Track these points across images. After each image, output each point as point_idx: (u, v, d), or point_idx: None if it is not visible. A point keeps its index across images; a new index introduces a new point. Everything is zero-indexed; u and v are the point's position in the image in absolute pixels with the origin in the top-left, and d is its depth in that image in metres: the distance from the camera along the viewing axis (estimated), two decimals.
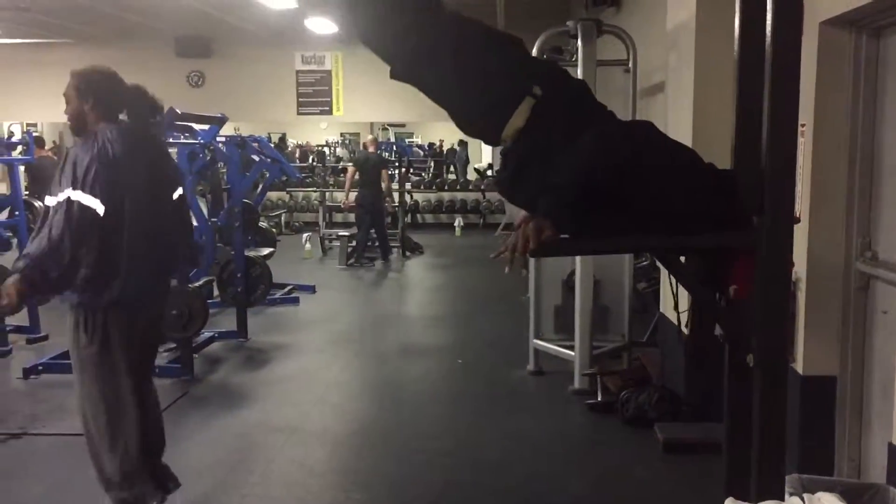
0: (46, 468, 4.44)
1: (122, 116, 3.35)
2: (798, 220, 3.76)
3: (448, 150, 22.65)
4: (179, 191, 3.63)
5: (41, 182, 10.03)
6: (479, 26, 2.43)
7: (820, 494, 1.74)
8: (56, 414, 5.26)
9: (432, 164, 20.28)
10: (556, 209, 2.17)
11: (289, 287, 9.39)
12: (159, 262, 3.44)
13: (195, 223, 6.38)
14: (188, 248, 3.94)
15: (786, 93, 2.29)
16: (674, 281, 2.48)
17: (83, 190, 3.01)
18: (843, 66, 3.66)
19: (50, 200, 3.08)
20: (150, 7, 13.67)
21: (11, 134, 17.84)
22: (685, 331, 2.62)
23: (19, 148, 8.56)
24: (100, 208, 3.04)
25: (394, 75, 2.40)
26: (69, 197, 2.99)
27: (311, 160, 16.78)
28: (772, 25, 2.27)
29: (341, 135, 27.76)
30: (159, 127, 3.84)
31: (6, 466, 4.47)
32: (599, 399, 5.38)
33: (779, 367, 2.32)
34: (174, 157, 6.49)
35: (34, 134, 12.74)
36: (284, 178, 11.87)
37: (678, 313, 2.55)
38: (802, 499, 1.74)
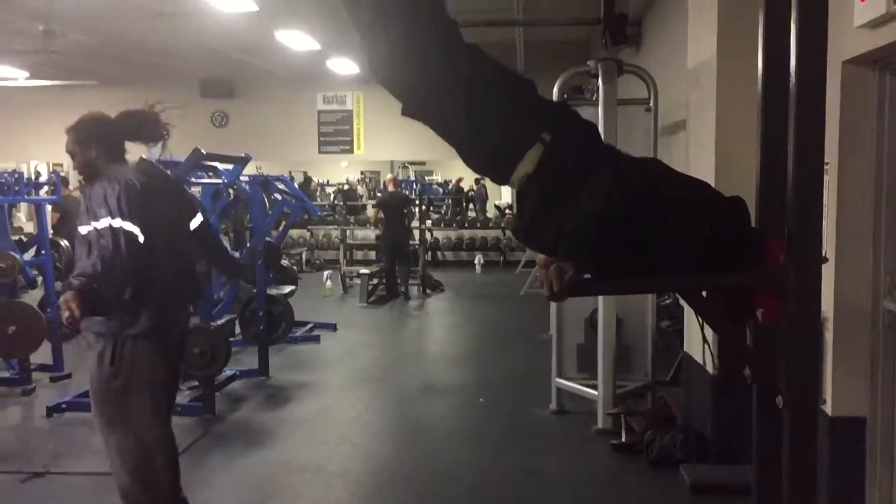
0: None
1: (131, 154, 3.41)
2: (826, 260, 3.73)
3: (469, 189, 22.76)
4: (199, 219, 3.68)
5: (67, 221, 10.16)
6: (495, 64, 2.45)
7: None
8: (79, 453, 5.27)
9: (449, 201, 20.38)
10: (576, 250, 2.17)
11: (310, 325, 9.41)
12: (182, 292, 3.48)
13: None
14: (228, 266, 3.96)
15: (811, 132, 2.29)
16: (699, 318, 2.46)
17: (122, 218, 3.06)
18: (866, 105, 3.66)
19: (82, 229, 3.13)
20: (176, 50, 13.95)
21: (38, 174, 18.13)
22: (711, 368, 2.59)
23: (45, 188, 8.67)
24: (140, 236, 3.09)
25: (406, 112, 2.42)
26: (111, 224, 3.04)
27: (332, 199, 16.90)
28: (796, 64, 2.27)
29: (361, 173, 28.02)
30: (165, 148, 3.87)
31: None
32: (623, 439, 5.31)
33: (809, 409, 2.29)
34: (199, 196, 6.60)
35: (60, 174, 12.92)
36: (307, 216, 11.97)
37: (705, 349, 2.52)
38: None
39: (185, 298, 3.58)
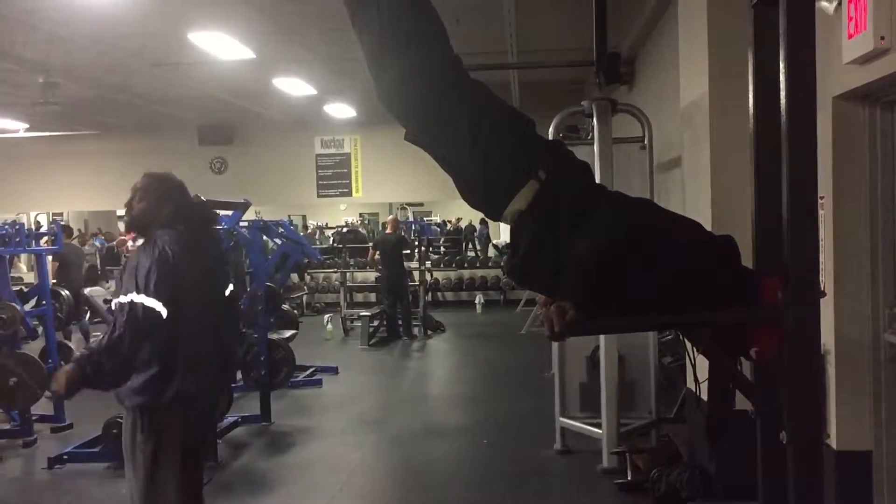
0: None
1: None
2: (824, 294, 3.75)
3: (466, 227, 22.84)
4: (230, 287, 3.75)
5: (67, 270, 10.20)
6: (499, 100, 2.50)
7: None
8: None
9: (443, 240, 20.50)
10: (575, 290, 2.19)
11: (312, 369, 9.38)
12: (216, 360, 3.52)
13: None
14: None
15: (803, 167, 2.33)
16: (693, 352, 2.48)
17: (146, 293, 3.12)
18: (858, 139, 3.71)
19: (115, 303, 3.21)
20: (174, 98, 14.11)
21: (39, 224, 18.21)
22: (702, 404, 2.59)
23: (46, 238, 8.71)
24: (163, 311, 3.15)
25: (408, 137, 2.46)
26: (132, 300, 3.10)
27: (331, 242, 16.96)
28: (785, 101, 2.32)
29: (360, 215, 28.13)
30: (216, 234, 3.99)
31: None
32: (629, 478, 5.28)
33: (813, 443, 2.29)
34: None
35: (61, 223, 13.00)
36: (307, 260, 12.01)
37: (697, 385, 2.53)
38: None
39: (215, 367, 3.60)
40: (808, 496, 2.29)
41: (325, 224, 24.54)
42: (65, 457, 6.03)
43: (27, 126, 15.15)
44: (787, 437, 2.33)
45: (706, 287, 2.23)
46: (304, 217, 25.55)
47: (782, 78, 2.37)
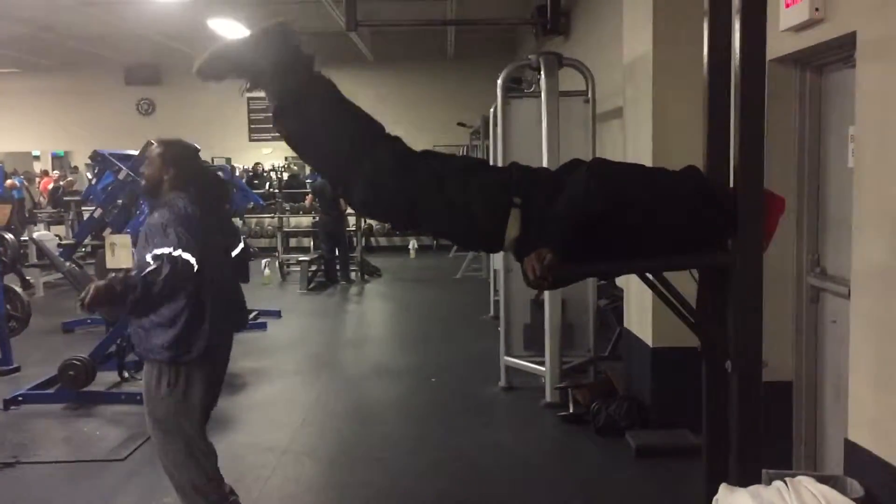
0: (49, 494, 4.56)
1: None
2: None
3: None
4: (241, 246, 4.00)
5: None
6: (455, 160, 2.76)
7: (800, 477, 2.05)
8: (44, 443, 5.39)
9: None
10: (552, 237, 2.47)
11: (255, 312, 9.49)
12: (231, 316, 3.74)
13: None
14: None
15: (752, 129, 2.65)
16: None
17: (182, 248, 3.28)
18: (789, 99, 4.07)
19: (149, 257, 3.30)
20: (102, 37, 13.73)
21: None
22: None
23: None
24: (195, 266, 3.31)
25: (399, 230, 2.74)
26: (171, 252, 3.24)
27: (267, 187, 16.87)
28: (739, 57, 2.61)
29: (286, 159, 27.81)
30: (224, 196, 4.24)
31: (9, 494, 4.56)
32: (571, 411, 5.68)
33: (754, 370, 2.65)
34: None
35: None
36: (251, 205, 12.05)
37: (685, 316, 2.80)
38: (784, 482, 2.05)
39: (233, 324, 3.81)
40: (749, 417, 2.67)
41: (250, 168, 24.21)
42: (19, 398, 6.10)
43: None
44: (731, 366, 2.69)
45: (690, 221, 2.54)
46: (228, 160, 25.12)
47: (736, 46, 2.67)
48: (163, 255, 3.23)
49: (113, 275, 3.28)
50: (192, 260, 3.29)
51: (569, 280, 2.82)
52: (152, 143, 3.86)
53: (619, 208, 2.47)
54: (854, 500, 3.05)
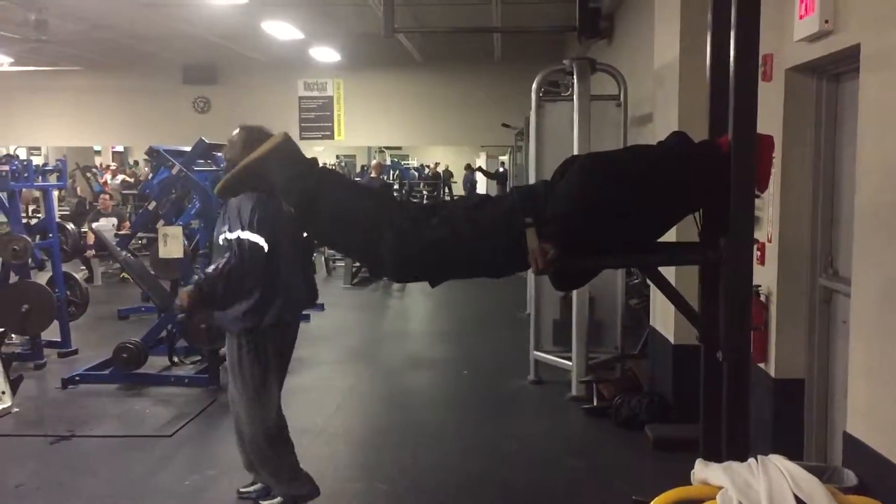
0: (103, 465, 4.92)
1: None
2: (770, 241, 4.30)
3: (444, 172, 23.25)
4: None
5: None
6: (457, 204, 2.94)
7: (771, 455, 2.24)
8: (98, 419, 5.76)
9: (423, 185, 20.90)
10: (555, 233, 2.67)
11: None
12: (302, 292, 4.11)
13: None
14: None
15: (746, 124, 2.82)
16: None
17: (251, 230, 3.66)
18: (806, 107, 4.21)
19: (220, 238, 3.76)
20: (161, 37, 14.24)
21: (46, 161, 18.34)
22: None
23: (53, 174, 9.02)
24: (265, 245, 3.69)
25: (434, 285, 2.96)
26: (239, 236, 3.64)
27: None
28: (734, 61, 2.78)
29: (337, 157, 28.35)
30: None
31: (65, 464, 4.93)
32: (595, 404, 5.88)
33: (742, 358, 2.84)
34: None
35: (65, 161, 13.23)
36: None
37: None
38: (756, 458, 2.24)
39: (303, 297, 4.18)
40: (738, 401, 2.86)
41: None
42: (77, 378, 6.52)
43: (12, 60, 15.20)
44: (722, 355, 2.88)
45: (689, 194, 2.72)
46: None
47: (732, 52, 2.85)
48: (233, 240, 3.59)
49: (195, 277, 3.65)
50: (262, 241, 3.64)
51: (574, 278, 3.02)
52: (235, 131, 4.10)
53: (616, 183, 2.66)
54: (846, 488, 3.22)
